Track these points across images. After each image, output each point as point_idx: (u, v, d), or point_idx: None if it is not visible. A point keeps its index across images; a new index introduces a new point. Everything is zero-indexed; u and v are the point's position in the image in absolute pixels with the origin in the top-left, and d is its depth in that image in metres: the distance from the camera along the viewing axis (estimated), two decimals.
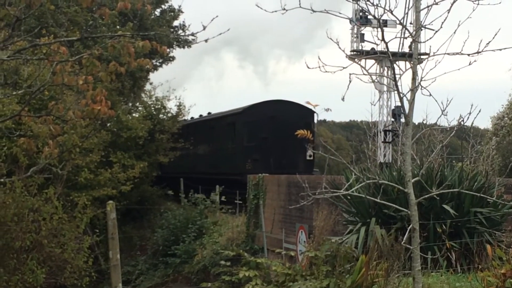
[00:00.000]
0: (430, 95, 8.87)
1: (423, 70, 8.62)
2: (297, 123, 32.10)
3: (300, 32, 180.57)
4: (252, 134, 38.09)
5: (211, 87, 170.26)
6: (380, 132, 42.90)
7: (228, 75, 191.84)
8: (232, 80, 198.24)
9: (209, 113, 50.75)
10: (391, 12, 8.59)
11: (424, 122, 18.31)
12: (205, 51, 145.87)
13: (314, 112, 39.61)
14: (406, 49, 43.09)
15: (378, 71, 44.54)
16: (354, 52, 45.71)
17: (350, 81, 9.02)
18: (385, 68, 44.50)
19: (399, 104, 8.59)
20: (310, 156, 38.59)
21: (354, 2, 10.05)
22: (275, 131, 37.69)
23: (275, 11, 8.39)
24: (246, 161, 37.74)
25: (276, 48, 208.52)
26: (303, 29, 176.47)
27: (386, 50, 9.07)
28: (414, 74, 8.57)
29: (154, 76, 57.06)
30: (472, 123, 10.80)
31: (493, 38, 8.67)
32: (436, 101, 9.14)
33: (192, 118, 51.68)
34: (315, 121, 41.03)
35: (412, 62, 8.67)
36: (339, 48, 8.92)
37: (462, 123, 10.08)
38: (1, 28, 10.01)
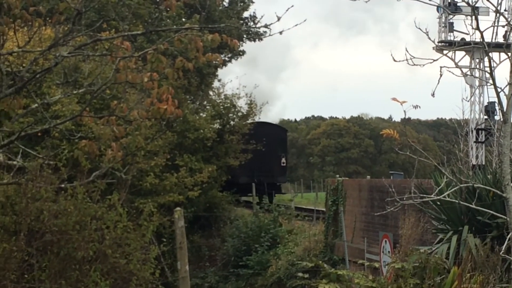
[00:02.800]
0: None
1: None
2: (273, 138, 52.29)
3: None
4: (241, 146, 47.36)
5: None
6: (472, 131, 42.19)
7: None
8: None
9: None
10: None
11: None
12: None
13: (287, 130, 65.06)
14: (500, 39, 42.27)
15: (468, 64, 43.77)
16: (442, 43, 45.06)
17: (441, 75, 8.92)
18: (476, 60, 43.71)
19: (493, 99, 8.48)
20: (283, 163, 54.49)
21: None
22: (256, 144, 48.38)
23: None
24: (236, 166, 46.88)
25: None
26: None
27: (480, 40, 8.92)
28: None
29: (223, 72, 57.38)
30: None
31: None
32: None
33: None
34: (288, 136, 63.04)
35: (510, 53, 8.49)
36: (429, 38, 8.83)
37: None
38: (61, 23, 10.11)
